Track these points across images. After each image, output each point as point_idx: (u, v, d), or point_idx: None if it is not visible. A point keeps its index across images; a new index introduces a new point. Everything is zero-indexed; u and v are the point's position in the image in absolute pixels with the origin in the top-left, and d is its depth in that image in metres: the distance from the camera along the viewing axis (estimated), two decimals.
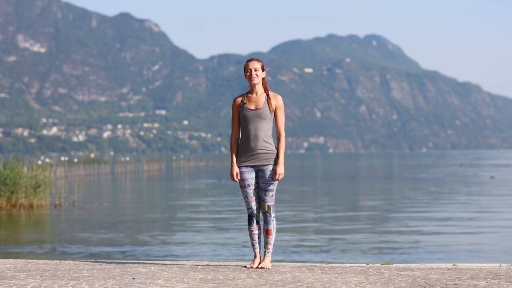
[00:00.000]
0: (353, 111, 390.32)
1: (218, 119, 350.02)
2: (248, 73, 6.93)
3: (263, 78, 6.99)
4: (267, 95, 6.94)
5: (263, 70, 6.97)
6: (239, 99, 7.00)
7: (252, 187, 6.91)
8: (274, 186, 6.91)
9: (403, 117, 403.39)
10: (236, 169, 6.94)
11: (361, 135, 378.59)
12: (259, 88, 6.97)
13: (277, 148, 6.95)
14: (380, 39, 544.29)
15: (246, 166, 6.92)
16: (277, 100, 6.94)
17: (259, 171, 6.91)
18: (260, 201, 6.94)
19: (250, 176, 6.91)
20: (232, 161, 6.97)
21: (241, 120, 6.94)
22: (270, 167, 6.89)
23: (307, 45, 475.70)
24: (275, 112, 6.93)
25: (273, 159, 6.92)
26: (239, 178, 6.93)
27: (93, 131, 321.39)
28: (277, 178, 6.87)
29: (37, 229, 19.71)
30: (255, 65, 6.93)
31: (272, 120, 6.94)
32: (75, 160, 71.84)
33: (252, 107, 6.91)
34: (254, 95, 6.96)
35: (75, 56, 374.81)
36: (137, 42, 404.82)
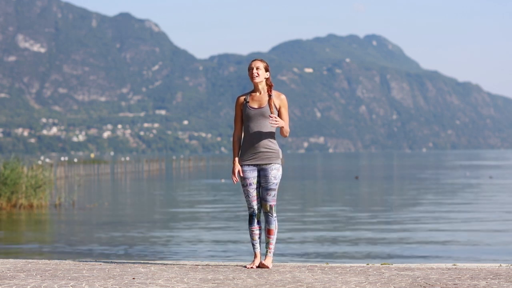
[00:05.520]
0: (353, 111, 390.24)
1: (218, 119, 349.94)
2: (250, 72, 6.93)
3: (267, 79, 6.98)
4: (269, 95, 6.92)
5: (266, 71, 6.96)
6: (242, 98, 6.98)
7: (254, 186, 6.89)
8: (276, 186, 6.89)
9: (403, 117, 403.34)
10: (238, 167, 6.93)
11: (361, 135, 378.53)
12: (263, 88, 6.96)
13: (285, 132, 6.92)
14: (380, 39, 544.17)
15: (248, 165, 6.91)
16: (281, 100, 6.92)
17: (261, 170, 6.89)
18: (262, 200, 6.92)
19: (252, 175, 6.89)
20: (234, 160, 6.97)
21: (244, 118, 6.92)
22: (272, 166, 6.87)
23: (307, 45, 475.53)
24: (279, 111, 6.91)
25: (275, 158, 6.90)
26: (241, 175, 6.93)
27: (93, 131, 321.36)
28: (274, 118, 6.74)
29: (37, 229, 19.71)
30: (258, 64, 6.93)
31: None
32: (75, 160, 71.87)
33: (255, 106, 6.89)
34: (258, 94, 6.95)
35: (75, 56, 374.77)
36: (137, 42, 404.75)
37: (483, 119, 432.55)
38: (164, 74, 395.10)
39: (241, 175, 6.91)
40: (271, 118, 6.77)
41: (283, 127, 6.85)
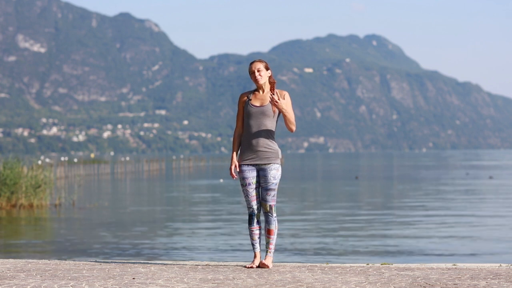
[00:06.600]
0: (353, 111, 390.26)
1: (218, 119, 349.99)
2: (252, 76, 6.92)
3: (270, 77, 6.98)
4: (272, 94, 6.90)
5: (267, 69, 6.96)
6: (245, 95, 6.99)
7: (253, 186, 6.89)
8: (275, 186, 6.88)
9: (403, 117, 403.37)
10: (235, 163, 6.92)
11: (361, 135, 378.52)
12: (266, 86, 6.95)
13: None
14: (380, 39, 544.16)
15: (248, 165, 6.91)
16: (283, 97, 6.91)
17: (260, 170, 6.88)
18: (262, 200, 6.92)
19: (251, 175, 6.88)
20: (232, 156, 6.97)
21: (245, 116, 6.91)
22: (272, 167, 6.86)
23: (307, 45, 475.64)
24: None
25: (275, 158, 6.89)
26: (238, 171, 6.91)
27: (93, 131, 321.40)
28: (275, 99, 6.70)
29: (37, 229, 19.71)
30: (258, 66, 6.90)
31: (276, 118, 6.90)
32: (75, 160, 71.80)
33: (257, 104, 6.88)
34: (261, 92, 6.95)
35: (75, 56, 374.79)
36: (137, 42, 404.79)
37: (483, 119, 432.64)
38: (164, 74, 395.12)
39: (237, 169, 6.92)
40: (271, 95, 6.74)
41: (286, 116, 6.78)
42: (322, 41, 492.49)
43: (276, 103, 6.72)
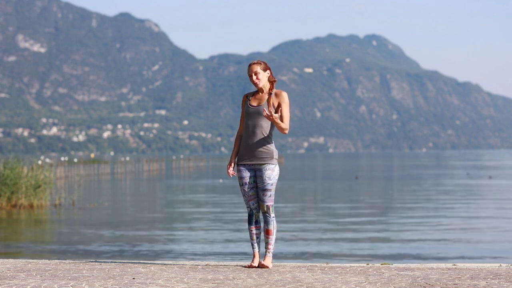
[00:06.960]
0: (353, 111, 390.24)
1: (218, 119, 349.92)
2: (251, 79, 6.93)
3: (269, 76, 6.97)
4: (270, 94, 6.91)
5: (265, 70, 6.94)
6: (247, 96, 7.01)
7: (249, 186, 6.90)
8: (271, 186, 6.87)
9: (403, 117, 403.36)
10: (232, 162, 6.95)
11: (361, 135, 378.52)
12: (266, 87, 6.96)
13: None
14: (380, 39, 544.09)
15: (244, 165, 6.92)
16: (280, 97, 6.87)
17: (256, 170, 6.89)
18: (259, 201, 6.92)
19: (247, 175, 6.89)
20: (231, 156, 7.01)
21: (244, 116, 6.94)
22: (267, 167, 6.85)
23: (307, 45, 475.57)
24: (279, 106, 6.88)
25: (270, 159, 6.87)
26: (233, 169, 6.95)
27: (93, 131, 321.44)
28: (268, 114, 6.69)
29: (37, 229, 19.71)
30: (255, 69, 6.89)
31: None
32: (75, 160, 71.79)
33: (255, 104, 6.90)
34: (260, 93, 6.96)
35: (75, 56, 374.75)
36: (137, 42, 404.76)
37: (483, 119, 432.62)
38: (164, 74, 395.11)
39: (232, 167, 6.94)
40: (264, 112, 6.76)
41: (278, 125, 6.79)
42: (322, 41, 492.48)
43: (269, 118, 6.72)
